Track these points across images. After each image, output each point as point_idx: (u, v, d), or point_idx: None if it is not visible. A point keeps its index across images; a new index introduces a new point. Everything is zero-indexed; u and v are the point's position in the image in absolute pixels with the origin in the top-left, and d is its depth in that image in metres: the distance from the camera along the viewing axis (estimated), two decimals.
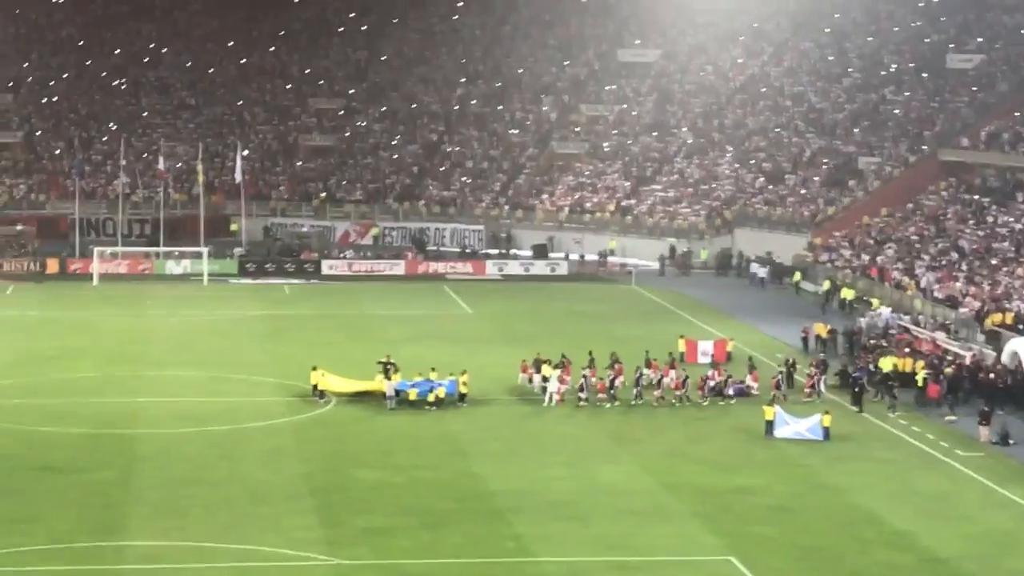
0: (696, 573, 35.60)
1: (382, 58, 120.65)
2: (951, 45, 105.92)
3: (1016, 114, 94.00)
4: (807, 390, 57.49)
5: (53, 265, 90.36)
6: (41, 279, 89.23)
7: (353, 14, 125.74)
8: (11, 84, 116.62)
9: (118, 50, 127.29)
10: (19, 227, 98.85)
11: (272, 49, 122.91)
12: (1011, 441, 49.67)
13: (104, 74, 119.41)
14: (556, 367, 56.45)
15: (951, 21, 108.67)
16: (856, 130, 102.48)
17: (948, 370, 57.71)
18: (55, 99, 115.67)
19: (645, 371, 57.08)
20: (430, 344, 67.52)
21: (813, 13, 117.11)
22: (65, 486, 42.25)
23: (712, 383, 57.54)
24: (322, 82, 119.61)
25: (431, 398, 52.64)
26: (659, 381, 56.68)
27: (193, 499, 41.07)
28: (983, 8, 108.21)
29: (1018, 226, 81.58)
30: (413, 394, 52.76)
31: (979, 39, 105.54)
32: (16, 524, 37.13)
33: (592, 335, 68.26)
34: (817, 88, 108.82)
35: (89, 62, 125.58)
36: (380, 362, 56.19)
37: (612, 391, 55.76)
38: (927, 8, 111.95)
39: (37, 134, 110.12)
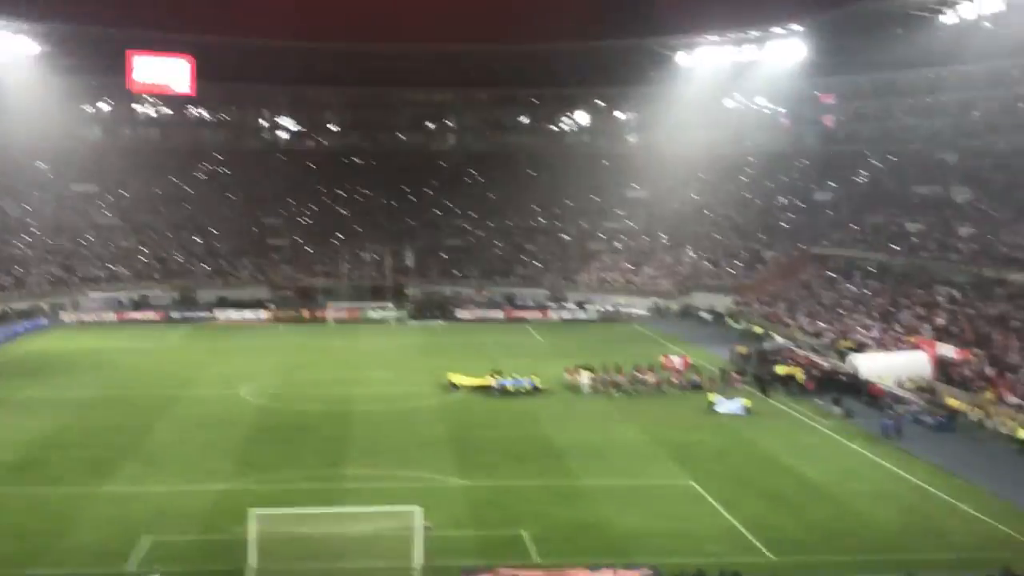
0: (671, 491, 44.63)
1: (492, 197, 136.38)
2: (816, 188, 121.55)
3: (851, 226, 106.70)
4: (736, 385, 66.71)
5: (307, 314, 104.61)
6: (300, 322, 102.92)
7: (474, 170, 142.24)
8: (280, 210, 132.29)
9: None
10: (288, 292, 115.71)
11: (425, 195, 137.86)
12: (852, 415, 59.18)
13: (343, 212, 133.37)
14: (588, 370, 67.92)
15: (814, 174, 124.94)
16: (761, 234, 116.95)
17: (816, 374, 68.08)
18: (309, 221, 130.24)
19: (636, 374, 67.66)
20: (518, 357, 77.89)
21: (733, 170, 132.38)
22: (311, 439, 53.43)
23: (676, 378, 68.65)
24: (458, 210, 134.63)
25: (521, 389, 65.17)
26: (645, 380, 67.30)
27: (385, 445, 51.93)
28: (834, 168, 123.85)
29: (854, 290, 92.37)
30: (510, 387, 65.12)
31: (831, 183, 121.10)
32: (282, 461, 48.63)
33: (609, 352, 77.43)
34: (739, 211, 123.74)
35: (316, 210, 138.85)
36: (492, 370, 67.85)
37: (618, 385, 66.53)
38: (803, 169, 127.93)
39: (300, 241, 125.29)
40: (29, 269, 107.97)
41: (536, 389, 65.49)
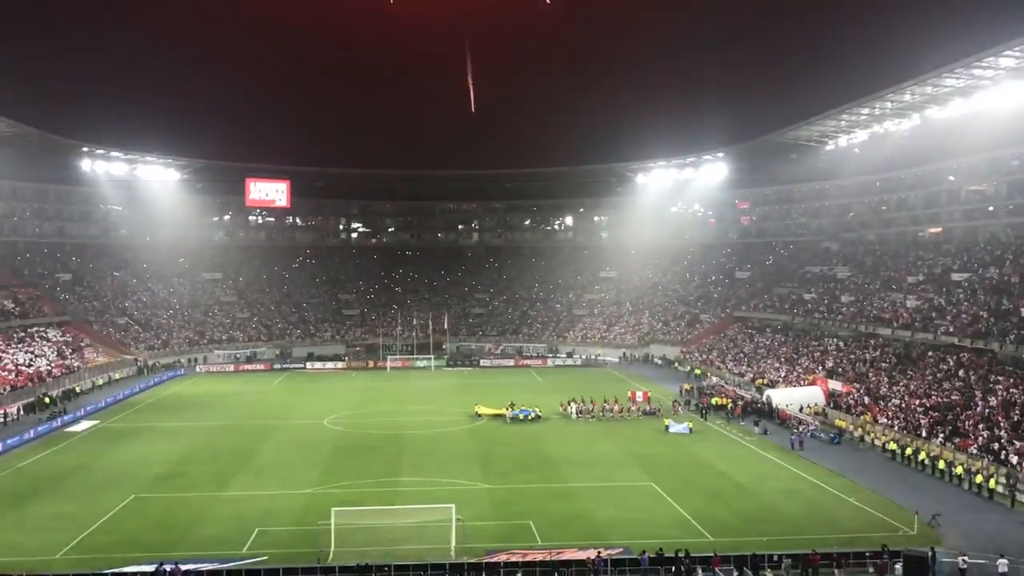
0: (637, 490, 44.73)
1: (505, 277, 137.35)
2: (737, 269, 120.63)
3: (764, 296, 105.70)
4: (683, 411, 67.31)
5: (371, 364, 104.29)
6: (366, 369, 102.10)
7: (492, 258, 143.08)
8: (353, 289, 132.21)
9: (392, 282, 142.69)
10: (358, 348, 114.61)
11: (456, 276, 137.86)
12: (767, 433, 59.60)
13: (397, 289, 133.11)
14: (574, 402, 67.86)
15: (735, 259, 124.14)
16: (698, 302, 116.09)
17: (741, 403, 68.11)
18: (373, 296, 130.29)
19: (606, 406, 67.29)
20: (525, 393, 76.42)
21: (678, 257, 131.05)
22: (374, 455, 53.85)
23: (635, 408, 68.32)
24: (480, 287, 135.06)
25: (530, 417, 64.99)
26: (614, 408, 67.13)
27: (429, 459, 52.39)
28: (750, 254, 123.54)
29: (767, 343, 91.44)
30: (519, 416, 64.97)
31: (748, 265, 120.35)
32: (354, 472, 49.32)
33: (590, 389, 77.83)
34: (683, 285, 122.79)
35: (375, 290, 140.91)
36: (510, 403, 67.19)
37: (595, 412, 66.51)
38: (727, 255, 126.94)
39: (366, 311, 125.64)
40: (172, 334, 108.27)
41: (537, 417, 65.18)
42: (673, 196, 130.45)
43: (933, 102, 74.72)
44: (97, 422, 66.06)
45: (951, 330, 67.47)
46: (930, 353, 67.07)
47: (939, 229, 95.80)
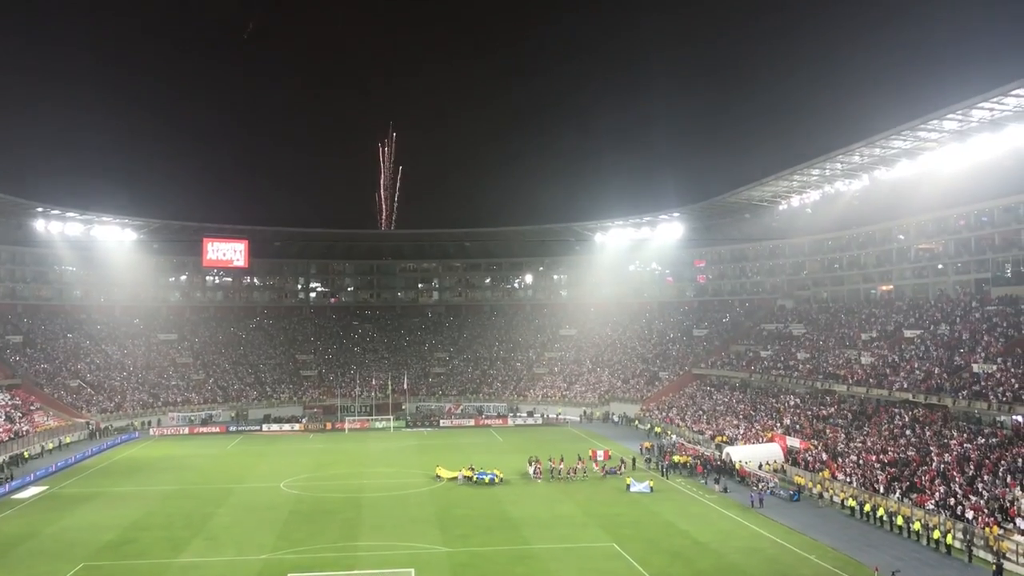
0: (599, 551, 44.36)
1: (465, 335, 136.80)
2: (695, 326, 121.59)
3: (721, 353, 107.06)
4: (622, 470, 66.84)
5: (329, 425, 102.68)
6: (324, 431, 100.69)
7: (452, 317, 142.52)
8: (310, 349, 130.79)
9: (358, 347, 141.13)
10: (315, 409, 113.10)
11: (416, 335, 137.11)
12: (727, 491, 59.66)
13: (355, 349, 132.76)
14: (534, 462, 67.96)
15: (693, 316, 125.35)
16: (657, 360, 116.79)
17: (701, 461, 68.00)
18: (331, 357, 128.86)
19: (561, 467, 66.49)
20: (485, 454, 77.50)
21: (636, 314, 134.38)
22: (332, 519, 52.61)
23: (597, 466, 68.18)
24: (440, 346, 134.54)
25: (486, 480, 63.55)
26: (574, 469, 66.25)
27: (388, 522, 51.29)
28: (707, 312, 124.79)
29: (725, 400, 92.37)
30: (475, 479, 63.68)
31: (705, 323, 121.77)
32: (312, 536, 47.83)
33: (551, 448, 77.49)
34: (641, 343, 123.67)
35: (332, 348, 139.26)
36: (469, 465, 66.18)
37: (556, 472, 65.95)
38: (685, 313, 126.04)
39: (324, 371, 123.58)
40: (125, 396, 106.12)
41: (499, 480, 63.91)
42: (631, 255, 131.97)
43: (882, 163, 77.03)
44: (46, 488, 64.41)
45: (905, 386, 68.45)
46: (886, 409, 67.99)
47: (891, 286, 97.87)
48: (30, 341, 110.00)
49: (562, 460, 68.58)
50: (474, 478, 63.90)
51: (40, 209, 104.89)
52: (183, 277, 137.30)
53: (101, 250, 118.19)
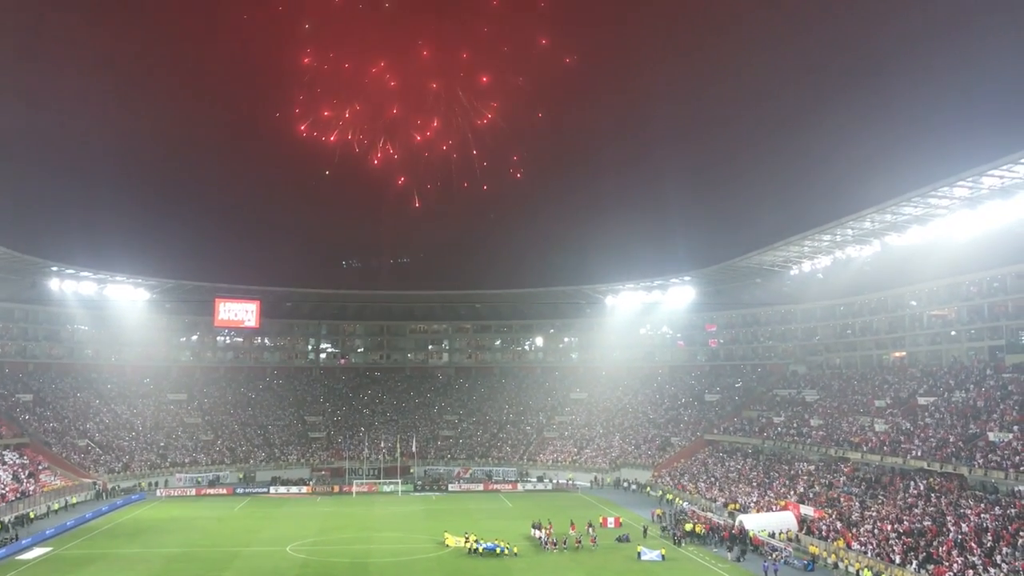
0: None
1: (475, 398, 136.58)
2: (706, 391, 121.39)
3: (733, 419, 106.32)
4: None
5: (336, 488, 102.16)
6: (331, 494, 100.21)
7: (462, 379, 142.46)
8: (319, 411, 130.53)
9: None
10: (323, 472, 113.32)
11: (425, 397, 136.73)
12: (741, 560, 59.14)
13: (364, 410, 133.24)
14: (543, 526, 66.78)
15: (705, 381, 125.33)
16: (669, 425, 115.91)
17: (713, 529, 67.42)
18: (340, 418, 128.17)
19: (571, 533, 66.22)
20: (493, 519, 77.16)
21: (647, 379, 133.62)
22: None
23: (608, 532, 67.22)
24: (450, 409, 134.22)
25: (496, 551, 61.28)
26: (584, 535, 65.79)
27: None
28: (718, 377, 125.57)
29: (738, 466, 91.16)
30: (481, 550, 61.36)
31: (717, 388, 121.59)
32: None
33: (561, 514, 76.27)
34: (653, 407, 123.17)
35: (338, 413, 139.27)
36: (467, 532, 65.05)
37: (567, 540, 64.76)
38: (697, 378, 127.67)
39: (332, 433, 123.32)
40: (133, 456, 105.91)
41: (506, 553, 61.59)
42: (642, 318, 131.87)
43: (892, 229, 77.39)
44: (50, 549, 64.01)
45: (919, 454, 67.83)
46: (901, 477, 67.27)
47: (903, 353, 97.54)
48: (40, 400, 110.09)
49: (572, 526, 67.80)
50: (480, 550, 61.66)
51: (55, 268, 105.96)
52: (194, 337, 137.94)
53: (113, 309, 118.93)
